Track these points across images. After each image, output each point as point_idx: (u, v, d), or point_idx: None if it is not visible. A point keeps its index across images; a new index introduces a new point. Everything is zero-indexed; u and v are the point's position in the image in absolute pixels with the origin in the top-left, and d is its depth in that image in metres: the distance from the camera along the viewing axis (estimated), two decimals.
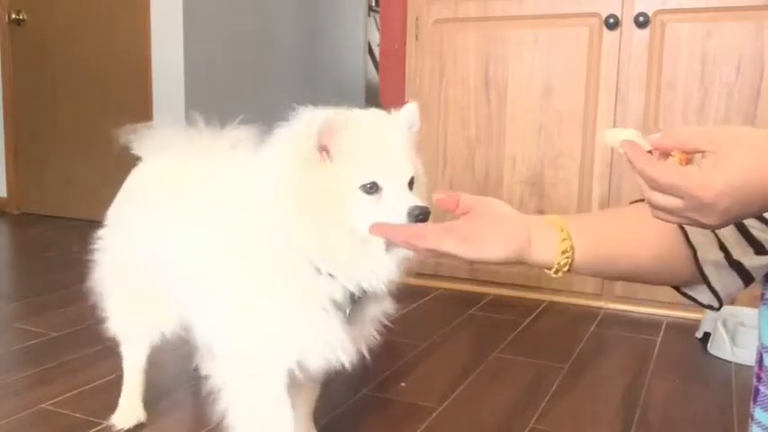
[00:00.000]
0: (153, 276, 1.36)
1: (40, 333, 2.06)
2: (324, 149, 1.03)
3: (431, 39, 2.61)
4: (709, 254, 0.90)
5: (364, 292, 1.11)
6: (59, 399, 1.61)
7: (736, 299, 2.16)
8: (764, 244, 0.88)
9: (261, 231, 1.09)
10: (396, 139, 1.08)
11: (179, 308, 1.34)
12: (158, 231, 1.31)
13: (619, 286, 2.42)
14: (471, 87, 2.57)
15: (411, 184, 1.08)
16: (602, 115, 2.39)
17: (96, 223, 1.48)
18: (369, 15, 5.48)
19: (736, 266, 0.90)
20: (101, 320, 1.50)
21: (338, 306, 1.12)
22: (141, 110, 3.65)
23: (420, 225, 0.98)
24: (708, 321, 2.05)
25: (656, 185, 0.71)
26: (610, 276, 1.00)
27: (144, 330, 1.46)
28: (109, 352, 1.60)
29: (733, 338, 1.94)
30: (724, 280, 0.91)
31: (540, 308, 2.44)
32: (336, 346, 1.15)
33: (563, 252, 0.86)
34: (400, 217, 1.02)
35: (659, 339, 2.11)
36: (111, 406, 1.51)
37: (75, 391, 1.65)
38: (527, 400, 1.66)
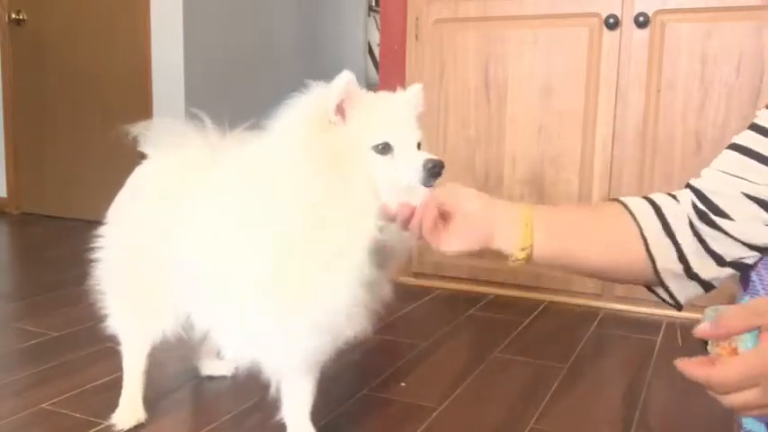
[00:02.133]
0: (158, 271, 1.35)
1: (40, 333, 2.06)
2: (340, 111, 1.08)
3: (431, 39, 2.61)
4: (669, 264, 0.95)
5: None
6: (59, 399, 1.61)
7: (736, 297, 2.16)
8: (723, 257, 0.93)
9: (285, 196, 1.09)
10: (404, 108, 1.14)
11: (184, 301, 1.34)
12: (171, 221, 1.30)
13: (619, 286, 2.42)
14: (471, 87, 2.57)
15: (419, 148, 1.12)
16: (602, 115, 2.39)
17: (96, 223, 1.48)
18: (369, 15, 5.48)
19: (695, 278, 0.95)
20: (101, 320, 1.49)
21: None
22: (141, 110, 3.65)
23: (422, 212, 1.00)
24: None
25: (728, 388, 0.70)
26: (568, 271, 1.09)
27: (145, 328, 1.45)
28: (109, 352, 1.60)
29: None
30: (683, 288, 0.97)
31: (540, 308, 2.44)
32: (355, 315, 1.15)
33: (522, 249, 0.97)
34: (416, 171, 1.05)
35: (659, 339, 2.11)
36: (111, 406, 1.51)
37: (75, 391, 1.65)
38: (527, 400, 1.66)
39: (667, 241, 0.95)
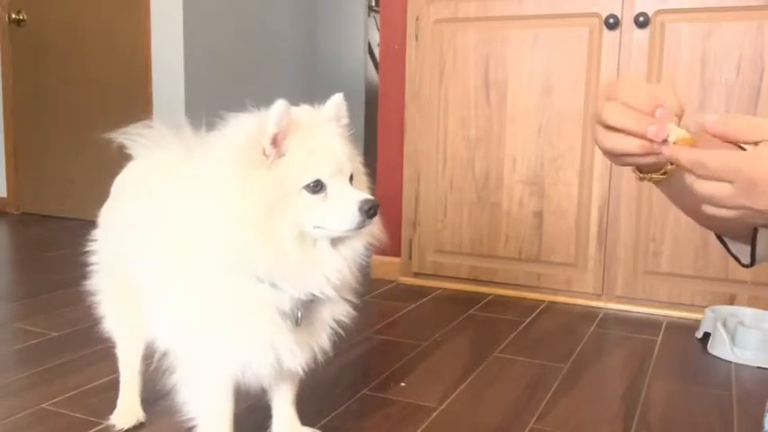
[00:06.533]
0: (129, 276, 1.35)
1: (40, 333, 2.06)
2: (276, 143, 1.03)
3: (431, 39, 2.61)
4: None
5: (314, 296, 1.11)
6: (59, 399, 1.61)
7: (736, 297, 2.17)
8: None
9: (205, 238, 1.08)
10: (333, 135, 1.09)
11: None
12: (128, 231, 1.31)
13: (619, 286, 2.42)
14: (471, 87, 2.57)
15: (351, 180, 1.09)
16: None
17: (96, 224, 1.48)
18: (369, 15, 5.47)
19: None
20: (100, 320, 1.50)
21: (284, 314, 1.11)
22: (141, 110, 3.65)
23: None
24: (708, 321, 2.05)
25: (705, 171, 0.70)
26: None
27: (135, 330, 1.45)
28: (109, 352, 1.60)
29: (733, 338, 1.94)
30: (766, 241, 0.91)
31: (540, 308, 2.44)
32: (282, 354, 1.14)
33: None
34: (351, 213, 1.04)
35: (659, 339, 2.11)
36: (111, 406, 1.51)
37: (75, 391, 1.65)
38: (527, 400, 1.66)
39: None
